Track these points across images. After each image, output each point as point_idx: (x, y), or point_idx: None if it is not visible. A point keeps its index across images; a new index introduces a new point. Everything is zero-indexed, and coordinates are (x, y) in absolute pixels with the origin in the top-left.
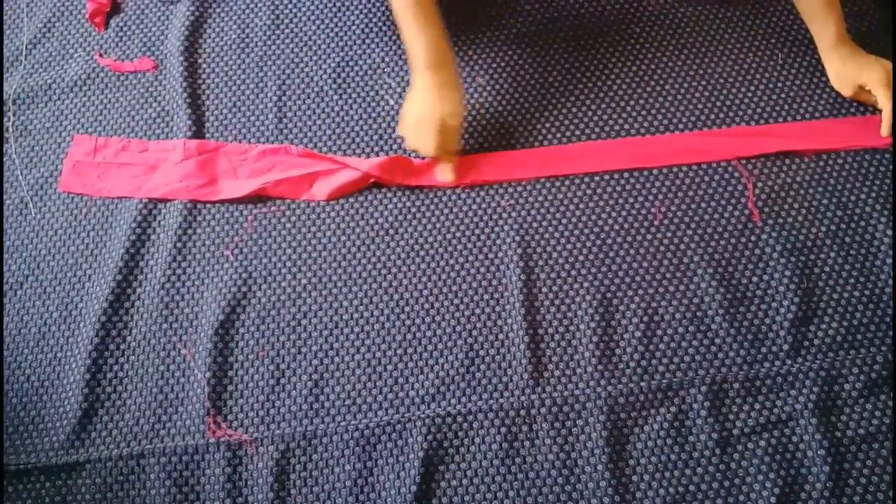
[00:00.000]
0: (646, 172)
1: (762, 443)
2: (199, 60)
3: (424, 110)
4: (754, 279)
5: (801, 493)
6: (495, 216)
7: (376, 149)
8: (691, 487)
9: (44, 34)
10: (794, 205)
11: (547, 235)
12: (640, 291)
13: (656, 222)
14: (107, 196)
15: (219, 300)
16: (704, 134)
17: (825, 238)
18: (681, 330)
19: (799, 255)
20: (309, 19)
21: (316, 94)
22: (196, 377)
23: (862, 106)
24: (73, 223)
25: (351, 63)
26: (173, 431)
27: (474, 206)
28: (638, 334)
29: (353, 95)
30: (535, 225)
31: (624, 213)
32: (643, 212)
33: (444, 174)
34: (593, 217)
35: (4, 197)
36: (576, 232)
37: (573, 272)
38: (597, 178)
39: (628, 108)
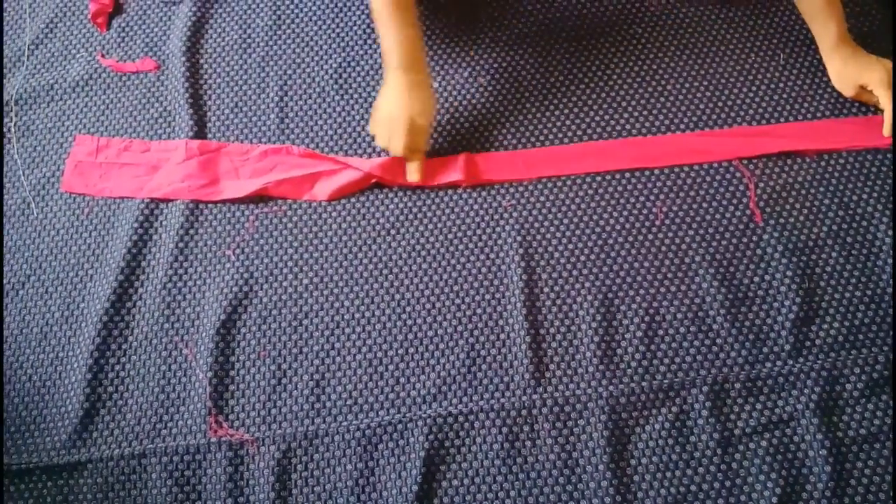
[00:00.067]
0: (647, 172)
1: (763, 443)
2: (201, 61)
3: (395, 109)
4: (756, 279)
5: (803, 493)
6: (497, 216)
7: (377, 149)
8: (692, 487)
9: (46, 34)
10: (796, 205)
11: (548, 235)
12: (642, 291)
13: (658, 222)
14: (109, 196)
15: (220, 300)
16: (706, 134)
17: (827, 238)
18: (682, 330)
19: (800, 255)
20: (311, 20)
21: (318, 94)
22: (197, 377)
23: (864, 106)
24: (75, 223)
25: (353, 63)
26: (175, 431)
27: (476, 207)
28: (639, 334)
29: (355, 96)
30: (536, 225)
31: (625, 213)
32: (645, 212)
33: (412, 174)
34: (595, 217)
35: (7, 197)
36: (577, 232)
37: (574, 272)
38: (598, 179)
39: (630, 109)
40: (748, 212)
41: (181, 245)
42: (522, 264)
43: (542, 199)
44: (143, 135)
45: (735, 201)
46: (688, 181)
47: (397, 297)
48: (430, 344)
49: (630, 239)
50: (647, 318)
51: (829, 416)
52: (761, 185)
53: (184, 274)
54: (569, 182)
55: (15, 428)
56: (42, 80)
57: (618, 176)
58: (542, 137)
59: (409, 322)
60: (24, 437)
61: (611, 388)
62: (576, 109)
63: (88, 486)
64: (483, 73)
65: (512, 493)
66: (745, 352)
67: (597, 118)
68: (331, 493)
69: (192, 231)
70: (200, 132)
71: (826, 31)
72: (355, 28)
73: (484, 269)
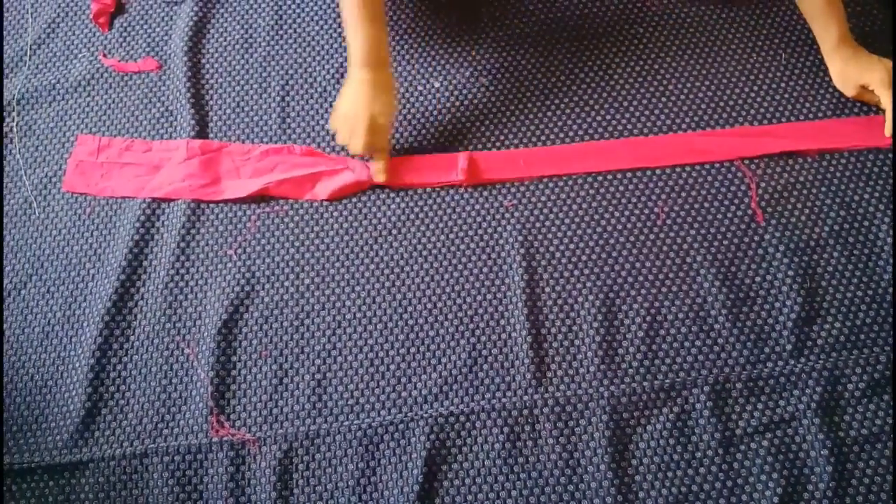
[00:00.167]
0: (649, 172)
1: (765, 443)
2: (203, 60)
3: (356, 107)
4: (757, 279)
5: (804, 494)
6: (498, 216)
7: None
8: (694, 487)
9: (48, 34)
10: (798, 205)
11: (550, 235)
12: (643, 291)
13: (659, 222)
14: (110, 196)
15: (222, 300)
16: (708, 134)
17: (828, 238)
18: (684, 330)
19: (802, 255)
20: (312, 20)
21: (319, 94)
22: (199, 376)
23: (865, 106)
24: (76, 223)
25: None
26: (176, 431)
27: (477, 206)
28: (641, 334)
29: None
30: (537, 225)
31: (627, 212)
32: (646, 212)
33: (378, 175)
34: (596, 217)
35: (9, 196)
36: (579, 232)
37: (576, 272)
38: (600, 178)
39: (631, 108)
40: (749, 211)
41: (183, 245)
42: (524, 264)
43: (543, 198)
44: (144, 134)
45: (736, 201)
46: (689, 181)
47: (399, 296)
48: (431, 344)
49: (631, 239)
50: (648, 318)
51: (830, 416)
52: (763, 184)
53: (185, 274)
54: (570, 182)
55: (17, 427)
56: (44, 79)
57: (619, 176)
58: (543, 137)
59: (411, 322)
60: (26, 436)
61: (612, 387)
62: (577, 109)
63: (90, 486)
64: (484, 72)
65: (513, 493)
66: (747, 352)
67: (598, 118)
68: (332, 492)
69: (193, 231)
70: (202, 132)
71: (827, 31)
72: None
73: (485, 269)
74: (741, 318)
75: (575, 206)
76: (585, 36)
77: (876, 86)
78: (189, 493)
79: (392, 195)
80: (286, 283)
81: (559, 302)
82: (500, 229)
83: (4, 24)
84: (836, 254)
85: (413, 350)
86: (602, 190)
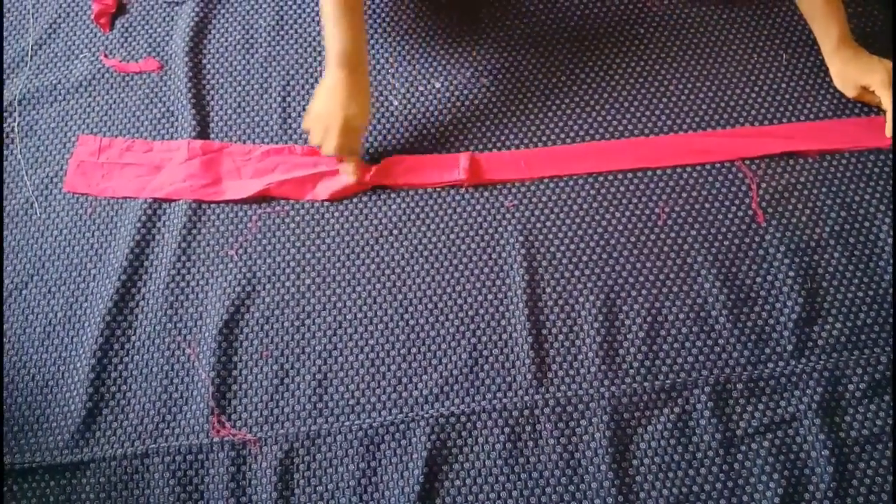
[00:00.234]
0: (650, 173)
1: (766, 443)
2: (204, 61)
3: (330, 108)
4: (758, 279)
5: (805, 494)
6: (499, 216)
7: (380, 149)
8: (695, 488)
9: (49, 35)
10: (798, 205)
11: (550, 236)
12: (644, 292)
13: (660, 222)
14: (111, 196)
15: (223, 300)
16: (708, 134)
17: (829, 238)
18: (684, 330)
19: (803, 255)
20: (313, 20)
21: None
22: (200, 377)
23: (866, 106)
24: (77, 223)
25: None
26: (177, 431)
27: (478, 207)
28: (641, 334)
29: None
30: (538, 225)
31: (628, 213)
32: (647, 212)
33: (348, 175)
34: (597, 217)
35: (10, 197)
36: (579, 232)
37: (577, 272)
38: (600, 179)
39: (632, 109)
40: (750, 212)
41: (184, 245)
42: (525, 264)
43: (544, 199)
44: (145, 135)
45: (737, 201)
46: (690, 181)
47: (399, 296)
48: (432, 344)
49: (632, 239)
50: (649, 319)
51: (831, 416)
52: (763, 185)
53: (186, 274)
54: (571, 182)
55: (18, 427)
56: (45, 80)
57: (620, 176)
58: (544, 137)
59: (412, 322)
60: (27, 436)
61: (613, 388)
62: (578, 110)
63: (91, 486)
64: (485, 73)
65: (514, 493)
66: (748, 352)
67: (599, 118)
68: (333, 492)
69: (194, 231)
70: (203, 132)
71: (827, 32)
72: None
73: (486, 269)
74: (742, 318)
75: (576, 207)
76: (586, 36)
77: (876, 87)
78: (190, 494)
79: (393, 195)
80: (287, 284)
81: (560, 302)
82: (500, 230)
83: (6, 24)
84: (836, 254)
85: (414, 350)
86: (603, 190)
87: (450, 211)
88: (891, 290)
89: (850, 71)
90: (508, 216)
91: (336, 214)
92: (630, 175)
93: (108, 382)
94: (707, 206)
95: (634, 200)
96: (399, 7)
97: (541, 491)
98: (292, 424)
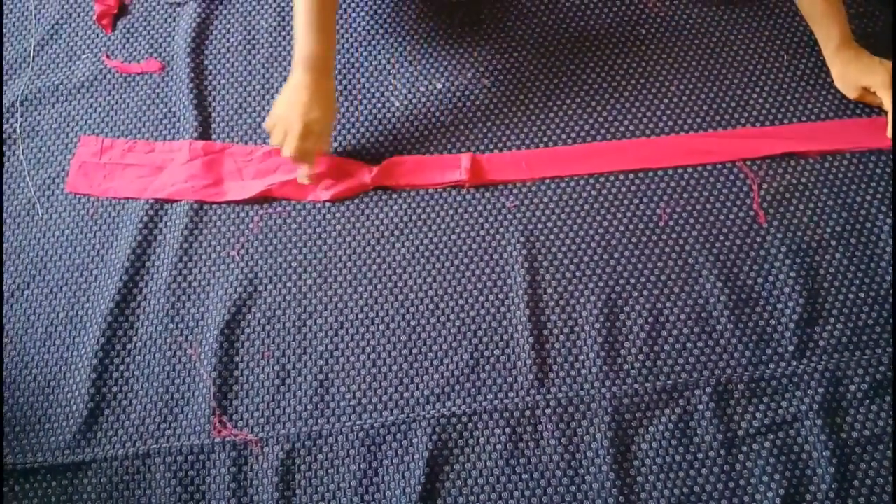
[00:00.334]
0: (651, 173)
1: (767, 444)
2: (206, 62)
3: (291, 110)
4: (759, 280)
5: (806, 495)
6: (500, 217)
7: (381, 150)
8: (696, 488)
9: (51, 36)
10: (800, 206)
11: (552, 236)
12: (646, 292)
13: (661, 223)
14: (113, 196)
15: (224, 300)
16: (709, 135)
17: (830, 239)
18: (686, 331)
19: (804, 256)
20: None
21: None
22: (202, 377)
23: (867, 107)
24: (79, 223)
25: (356, 65)
26: (179, 431)
27: (479, 207)
28: (643, 335)
29: (359, 97)
30: (539, 226)
31: (629, 213)
32: (648, 213)
33: (301, 178)
34: (598, 218)
35: (12, 198)
36: (580, 233)
37: (578, 273)
38: (601, 179)
39: (633, 110)
40: (752, 213)
41: (185, 245)
42: (526, 265)
43: (545, 199)
44: (147, 135)
45: (739, 202)
46: (691, 182)
47: (401, 297)
48: (433, 344)
49: (633, 240)
50: (650, 319)
51: (832, 417)
52: (765, 186)
53: (188, 274)
54: (572, 183)
55: (20, 427)
56: (47, 80)
57: (621, 177)
58: (545, 138)
59: (413, 322)
60: (29, 436)
61: (614, 388)
62: (579, 110)
63: (93, 486)
64: (486, 73)
65: (515, 494)
66: (749, 353)
67: (600, 119)
68: (334, 493)
69: (196, 232)
70: (205, 133)
71: (828, 33)
72: (358, 29)
73: (487, 270)
74: (743, 319)
75: (577, 208)
76: (588, 37)
77: (877, 87)
78: (191, 494)
79: (394, 196)
80: (289, 284)
81: (561, 303)
82: (502, 230)
83: (8, 25)
84: (838, 255)
85: (415, 351)
86: (604, 191)
87: (451, 211)
88: (892, 291)
89: (851, 72)
90: (510, 217)
91: (337, 215)
92: (631, 175)
93: (109, 383)
94: (708, 206)
95: (636, 201)
96: (400, 8)
97: (542, 491)
98: (293, 425)
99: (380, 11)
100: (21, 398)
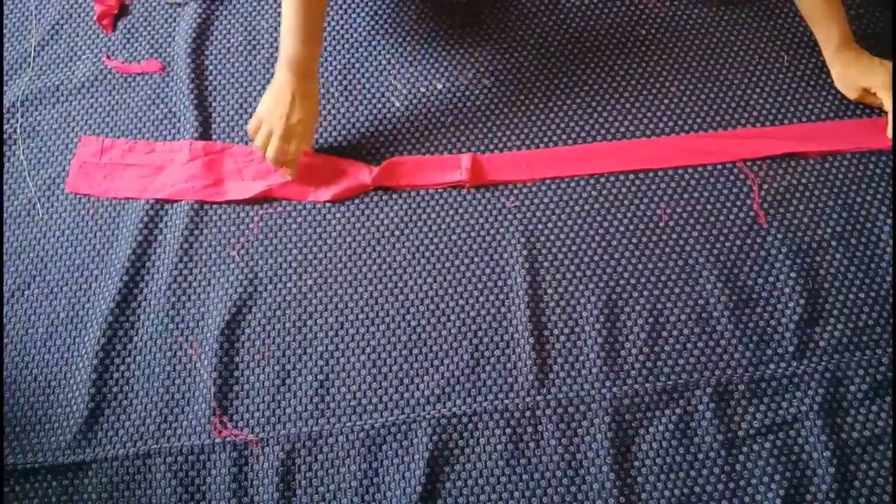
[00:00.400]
0: (651, 174)
1: (768, 444)
2: (206, 62)
3: (275, 111)
4: (760, 281)
5: (807, 495)
6: (500, 217)
7: (382, 150)
8: (696, 489)
9: (52, 36)
10: (800, 206)
11: (552, 237)
12: (646, 293)
13: (662, 224)
14: (113, 197)
15: (225, 300)
16: (710, 136)
17: (831, 240)
18: (686, 331)
19: (804, 256)
20: None
21: (322, 95)
22: (202, 377)
23: (868, 108)
24: (79, 224)
25: (356, 65)
26: (179, 431)
27: (479, 208)
28: (643, 335)
29: (359, 97)
30: (540, 226)
31: (629, 214)
32: (648, 213)
33: (285, 176)
34: (598, 218)
35: (12, 198)
36: (581, 233)
37: (578, 273)
38: (602, 180)
39: (633, 110)
40: (752, 213)
41: (186, 246)
42: (526, 265)
43: (545, 199)
44: (147, 136)
45: (739, 203)
46: (692, 183)
47: (401, 297)
48: (434, 345)
49: (634, 240)
50: (650, 320)
51: (833, 417)
52: (765, 186)
53: (188, 275)
54: (573, 183)
55: (20, 428)
56: (48, 81)
57: (622, 177)
58: (545, 138)
59: (413, 323)
60: (30, 436)
61: (614, 389)
62: (579, 111)
63: (93, 486)
64: (487, 74)
65: (516, 494)
66: (749, 353)
67: (600, 119)
68: (335, 493)
69: (196, 232)
70: (205, 133)
71: (828, 34)
72: (359, 30)
73: (488, 270)
74: (743, 319)
75: (577, 208)
76: (588, 37)
77: (878, 88)
78: (192, 494)
79: (395, 196)
80: (289, 284)
81: (561, 303)
82: (502, 230)
83: (9, 25)
84: (838, 255)
85: (416, 351)
86: (604, 191)
87: (451, 212)
88: (892, 292)
89: (852, 73)
90: (510, 217)
91: (338, 215)
92: (632, 176)
93: (110, 383)
94: (709, 207)
95: (636, 201)
96: (401, 8)
97: (542, 492)
98: (294, 425)
99: (380, 12)
100: (21, 398)
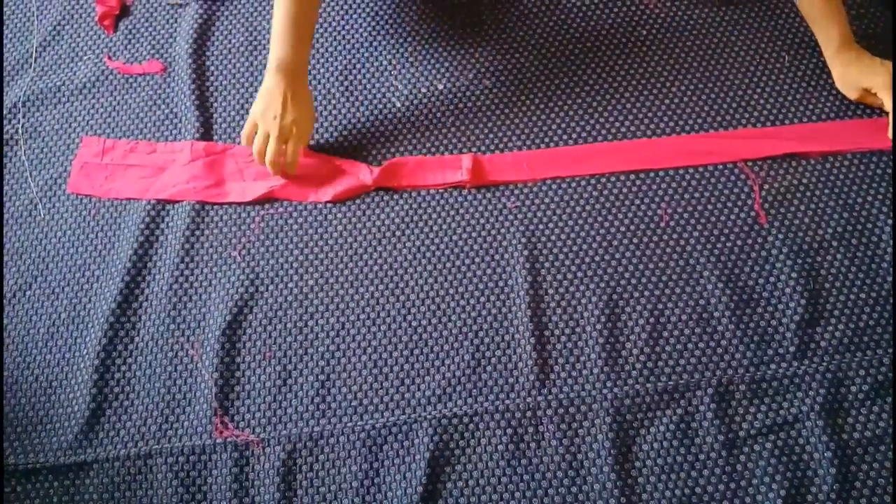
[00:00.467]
0: (652, 174)
1: (769, 444)
2: (208, 63)
3: (268, 113)
4: (760, 281)
5: (808, 496)
6: (501, 217)
7: (383, 150)
8: (697, 489)
9: (53, 37)
10: (801, 207)
11: (553, 237)
12: (647, 293)
13: (662, 224)
14: (115, 197)
15: (226, 301)
16: (711, 136)
17: (832, 240)
18: (687, 331)
19: (805, 256)
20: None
21: (323, 96)
22: (203, 377)
23: (868, 108)
24: (81, 224)
25: (358, 66)
26: (180, 431)
27: (480, 208)
28: (644, 336)
29: (360, 98)
30: (541, 226)
31: (630, 214)
32: (649, 213)
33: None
34: (599, 219)
35: (14, 198)
36: (582, 233)
37: (579, 273)
38: (602, 180)
39: (634, 110)
40: (753, 213)
41: (187, 246)
42: (527, 265)
43: (546, 200)
44: (149, 136)
45: (740, 203)
46: (692, 183)
47: (402, 298)
48: (434, 345)
49: (635, 240)
50: (651, 320)
51: (834, 418)
52: (766, 186)
53: (190, 275)
54: (573, 183)
55: (21, 428)
56: (49, 82)
57: (622, 177)
58: (546, 139)
59: (415, 323)
60: (31, 436)
61: (616, 389)
62: (580, 111)
63: (94, 487)
64: (488, 74)
65: (517, 495)
66: (750, 353)
67: (601, 119)
68: (336, 493)
69: (197, 232)
70: (206, 134)
71: (828, 35)
72: (360, 30)
73: (489, 271)
74: (744, 320)
75: (578, 208)
76: (589, 38)
77: (878, 89)
78: (193, 494)
79: (395, 197)
80: (290, 285)
81: (562, 304)
82: (503, 231)
83: (10, 26)
84: (839, 256)
85: (417, 351)
86: (605, 192)
87: (452, 212)
88: (893, 292)
89: (852, 73)
90: (511, 217)
91: (339, 216)
92: (632, 176)
93: (111, 383)
94: (709, 207)
95: (637, 202)
96: (402, 9)
97: (543, 492)
98: (295, 425)
99: (381, 13)
100: (23, 398)
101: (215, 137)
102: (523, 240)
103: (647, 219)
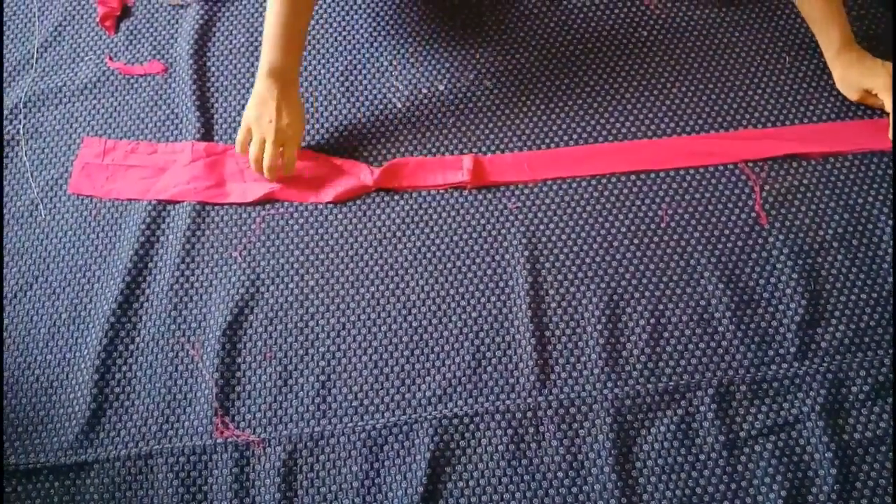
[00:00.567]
0: (652, 175)
1: (769, 445)
2: (209, 64)
3: (262, 117)
4: (761, 282)
5: (808, 496)
6: (502, 218)
7: (384, 151)
8: (698, 490)
9: (55, 38)
10: (802, 207)
11: (554, 237)
12: (647, 294)
13: (663, 224)
14: (116, 198)
15: (227, 301)
16: (711, 137)
17: (832, 241)
18: (688, 332)
19: (806, 257)
20: (317, 22)
21: (323, 97)
22: (204, 378)
23: (869, 109)
24: (82, 225)
25: (358, 66)
26: (181, 432)
27: (481, 209)
28: (645, 336)
29: (361, 98)
30: (541, 227)
31: (631, 215)
32: (650, 214)
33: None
34: (600, 219)
35: (15, 199)
36: (582, 234)
37: (580, 274)
38: (603, 181)
39: (635, 111)
40: (753, 214)
41: (188, 247)
42: (528, 266)
43: (547, 200)
44: (150, 137)
45: (740, 204)
46: (693, 184)
47: (403, 298)
48: (435, 345)
49: (635, 241)
50: (652, 321)
51: (834, 418)
52: (767, 187)
53: (190, 275)
54: (574, 184)
55: (22, 428)
56: (51, 82)
57: (623, 178)
58: (547, 139)
59: (415, 324)
60: (31, 437)
61: (616, 390)
62: (581, 112)
63: (95, 487)
64: (488, 75)
65: (517, 495)
66: (751, 354)
67: (602, 120)
68: (336, 493)
69: (198, 233)
70: (207, 134)
71: (828, 36)
72: (361, 31)
73: (489, 271)
74: (745, 320)
75: (579, 209)
76: (590, 39)
77: (879, 90)
78: (194, 494)
79: (396, 198)
80: (291, 285)
81: (563, 304)
82: (504, 231)
83: (11, 27)
84: (840, 256)
85: (417, 352)
86: (606, 192)
87: (453, 213)
88: (893, 293)
89: (853, 74)
90: (511, 218)
91: (340, 216)
92: (633, 177)
93: (112, 383)
94: (710, 208)
95: (637, 202)
96: (402, 9)
97: (544, 493)
98: (296, 426)
99: (381, 13)
100: (23, 399)
101: (216, 138)
102: (524, 240)
103: (647, 219)
